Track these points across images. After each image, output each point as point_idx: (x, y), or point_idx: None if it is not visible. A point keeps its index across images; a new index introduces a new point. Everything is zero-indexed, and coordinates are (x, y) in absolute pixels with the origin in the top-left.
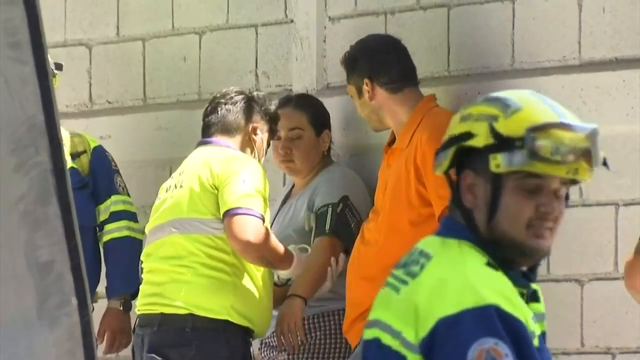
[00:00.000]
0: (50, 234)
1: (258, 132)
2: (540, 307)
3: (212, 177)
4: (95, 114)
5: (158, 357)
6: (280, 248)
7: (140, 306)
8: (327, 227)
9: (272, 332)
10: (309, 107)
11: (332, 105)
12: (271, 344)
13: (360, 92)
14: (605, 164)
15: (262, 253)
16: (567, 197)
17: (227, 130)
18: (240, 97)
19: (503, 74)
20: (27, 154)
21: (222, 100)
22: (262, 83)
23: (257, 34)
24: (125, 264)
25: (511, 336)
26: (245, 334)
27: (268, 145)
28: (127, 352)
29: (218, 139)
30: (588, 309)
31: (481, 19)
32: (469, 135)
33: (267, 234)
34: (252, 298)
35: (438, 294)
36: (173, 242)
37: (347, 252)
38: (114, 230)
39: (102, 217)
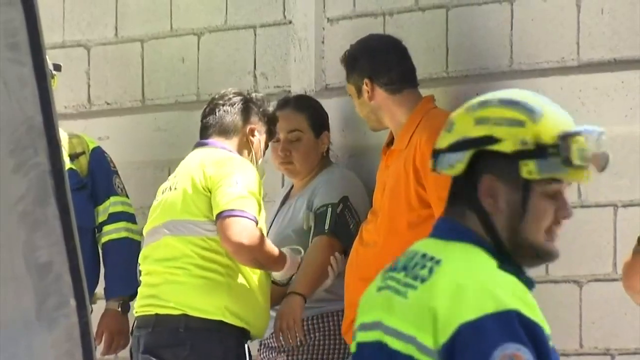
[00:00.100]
0: (48, 235)
1: (256, 133)
2: None
3: (205, 179)
4: (93, 115)
5: (152, 358)
6: (273, 250)
7: (138, 308)
8: (327, 226)
9: (271, 333)
10: (308, 109)
11: (331, 106)
12: (270, 344)
13: (359, 92)
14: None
15: (255, 255)
16: None
17: (225, 131)
18: (238, 98)
19: (501, 75)
20: (25, 155)
21: (220, 102)
22: (261, 84)
23: (255, 35)
24: (123, 266)
25: (531, 341)
26: (240, 334)
27: (266, 146)
28: (125, 353)
29: (215, 140)
30: (587, 310)
31: (479, 20)
32: (491, 139)
33: (260, 236)
34: (247, 299)
35: (457, 300)
36: (167, 243)
37: (346, 253)
38: (113, 232)
39: (101, 218)
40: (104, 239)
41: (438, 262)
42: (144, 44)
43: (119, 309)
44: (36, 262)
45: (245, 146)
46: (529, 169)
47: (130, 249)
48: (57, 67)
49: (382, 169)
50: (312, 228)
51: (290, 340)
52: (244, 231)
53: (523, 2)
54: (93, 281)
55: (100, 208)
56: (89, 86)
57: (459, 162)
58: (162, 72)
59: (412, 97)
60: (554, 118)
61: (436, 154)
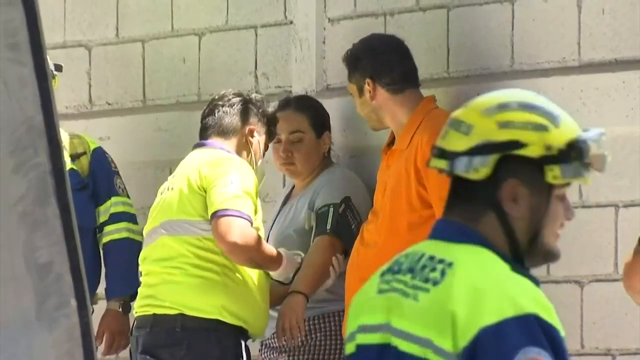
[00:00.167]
0: (49, 235)
1: (255, 134)
2: None
3: (200, 178)
4: (94, 115)
5: (150, 358)
6: (269, 249)
7: (137, 308)
8: (328, 226)
9: (273, 334)
10: (310, 110)
11: (332, 106)
12: (271, 345)
13: (361, 91)
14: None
15: (250, 255)
16: None
17: (224, 132)
18: (238, 99)
19: (502, 75)
20: (26, 155)
21: (220, 103)
22: (262, 84)
23: (256, 35)
24: (124, 266)
25: (550, 345)
26: (238, 333)
27: (266, 147)
28: (126, 353)
29: (213, 141)
30: (588, 310)
31: (480, 20)
32: (517, 144)
33: (254, 236)
34: (244, 297)
35: (476, 304)
36: (163, 244)
37: (347, 254)
38: (114, 232)
39: (102, 218)
40: (105, 239)
41: (450, 264)
42: (145, 44)
43: (120, 309)
44: (36, 262)
45: (244, 147)
46: (554, 174)
47: (131, 249)
48: (58, 68)
49: (383, 169)
50: (314, 228)
51: (293, 339)
52: (238, 231)
53: (524, 3)
54: (94, 281)
55: (102, 208)
56: (90, 86)
57: (483, 167)
58: (163, 72)
59: (414, 97)
60: (569, 122)
61: (450, 155)
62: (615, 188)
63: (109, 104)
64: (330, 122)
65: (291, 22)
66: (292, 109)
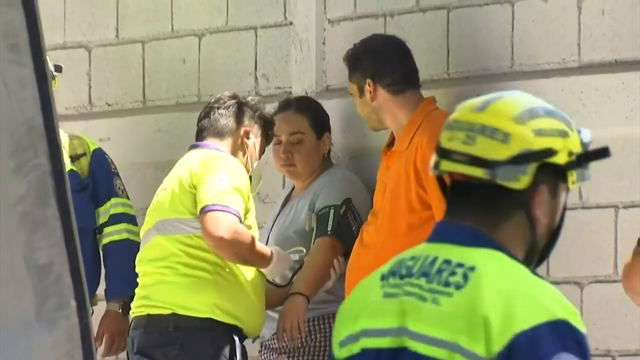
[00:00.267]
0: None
1: (251, 136)
2: None
3: (191, 176)
4: (94, 116)
5: (144, 358)
6: (258, 246)
7: (133, 309)
8: (329, 228)
9: (272, 335)
10: (310, 111)
11: (332, 107)
12: (271, 346)
13: (361, 91)
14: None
15: (237, 250)
16: None
17: (219, 133)
18: (233, 101)
19: (502, 76)
20: (26, 156)
21: (215, 105)
22: (262, 85)
23: (256, 36)
24: (124, 267)
25: (577, 350)
26: (232, 332)
27: (262, 150)
28: (125, 354)
29: (209, 142)
30: (588, 311)
31: (480, 21)
32: (551, 151)
33: (242, 231)
34: (237, 296)
35: (508, 309)
36: (156, 243)
37: (348, 255)
38: (114, 233)
39: (102, 219)
40: (105, 241)
41: (472, 268)
42: (144, 45)
43: (120, 311)
44: (36, 263)
45: (239, 148)
46: (573, 179)
47: (131, 250)
48: (58, 68)
49: (383, 170)
50: (315, 229)
51: (293, 341)
52: (225, 225)
53: (524, 3)
54: (94, 283)
55: (101, 209)
56: (89, 87)
57: (524, 175)
58: (163, 73)
59: (414, 98)
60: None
61: (489, 164)
62: (615, 189)
63: (108, 105)
64: (330, 123)
65: (291, 23)
66: (292, 110)
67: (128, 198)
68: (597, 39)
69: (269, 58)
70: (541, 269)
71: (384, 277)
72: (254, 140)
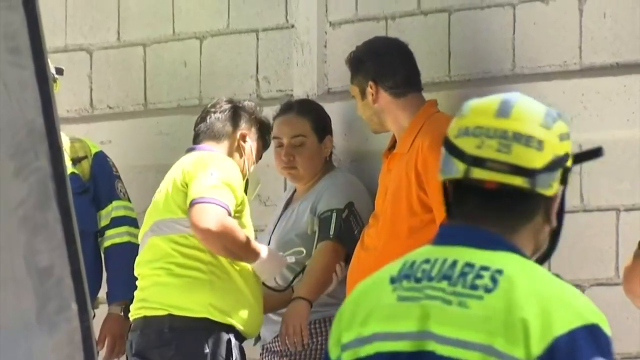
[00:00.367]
0: (50, 239)
1: (247, 139)
2: None
3: (183, 175)
4: (96, 119)
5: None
6: (246, 239)
7: (132, 312)
8: (331, 232)
9: (274, 337)
10: (312, 114)
11: (333, 110)
12: (273, 348)
13: (363, 94)
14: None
15: (224, 242)
16: None
17: (215, 137)
18: (229, 105)
19: (504, 79)
20: (26, 158)
21: (212, 110)
22: (263, 88)
23: (257, 39)
24: (125, 270)
25: (610, 356)
26: (229, 332)
27: (260, 153)
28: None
29: (205, 145)
30: None
31: (482, 24)
32: (568, 156)
33: (230, 224)
34: (233, 295)
35: (545, 312)
36: (151, 245)
37: (349, 259)
38: (115, 236)
39: (103, 222)
40: (107, 243)
41: (499, 271)
42: (146, 47)
43: (121, 314)
44: (37, 266)
45: (236, 151)
46: (568, 180)
47: (132, 253)
48: (60, 71)
49: (384, 173)
50: (317, 233)
51: (296, 345)
52: (212, 217)
53: (525, 6)
54: (95, 285)
55: (103, 212)
56: (91, 90)
57: (555, 182)
58: (164, 76)
59: (416, 101)
60: None
61: (528, 172)
62: (616, 192)
63: (110, 107)
64: (332, 125)
65: (292, 26)
66: (294, 113)
67: (129, 201)
68: (599, 41)
69: (270, 61)
70: None
71: (394, 280)
72: (251, 143)
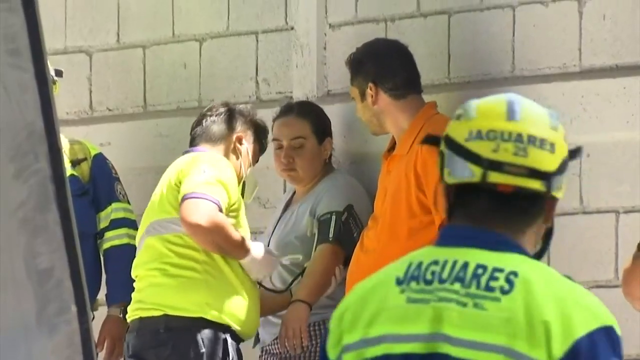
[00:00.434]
0: (49, 241)
1: (244, 141)
2: None
3: (177, 174)
4: (95, 121)
5: None
6: (235, 235)
7: (129, 313)
8: (331, 234)
9: (273, 340)
10: (311, 116)
11: (333, 112)
12: (272, 351)
13: (363, 95)
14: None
15: (213, 237)
16: None
17: (211, 139)
18: (224, 109)
19: (503, 80)
20: (26, 160)
21: (208, 113)
22: (263, 90)
23: (257, 41)
24: (125, 272)
25: (622, 357)
26: (225, 332)
27: (256, 157)
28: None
29: (201, 147)
30: None
31: (481, 26)
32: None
33: (220, 220)
34: (229, 295)
35: (565, 314)
36: (147, 246)
37: (348, 261)
38: (114, 238)
39: (103, 224)
40: (106, 245)
41: (514, 273)
42: (145, 50)
43: (121, 315)
44: (37, 268)
45: (232, 153)
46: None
47: (131, 255)
48: (59, 73)
49: (384, 175)
50: (316, 235)
51: (296, 348)
52: (202, 212)
53: (525, 8)
54: (95, 287)
55: (102, 214)
56: (90, 92)
57: (564, 184)
58: (163, 78)
59: (416, 103)
60: None
61: (545, 175)
62: (616, 194)
63: (109, 109)
64: (332, 127)
65: (292, 28)
66: (294, 114)
67: (129, 203)
68: (598, 43)
69: (270, 63)
70: None
71: (401, 282)
72: (247, 146)
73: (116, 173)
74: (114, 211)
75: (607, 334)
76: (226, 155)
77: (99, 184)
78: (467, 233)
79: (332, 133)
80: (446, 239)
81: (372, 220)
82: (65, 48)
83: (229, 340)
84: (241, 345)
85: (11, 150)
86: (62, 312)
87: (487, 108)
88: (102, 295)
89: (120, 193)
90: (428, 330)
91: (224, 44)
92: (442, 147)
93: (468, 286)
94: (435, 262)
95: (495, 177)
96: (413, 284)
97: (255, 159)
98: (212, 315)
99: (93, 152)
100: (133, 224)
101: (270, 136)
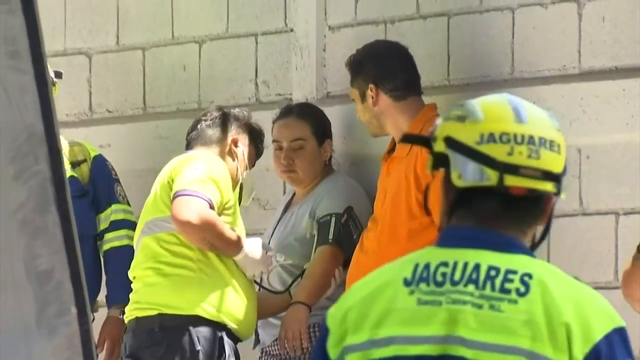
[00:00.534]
0: (49, 243)
1: (239, 144)
2: None
3: (170, 173)
4: (95, 123)
5: None
6: (227, 233)
7: (126, 314)
8: (331, 236)
9: (273, 341)
10: (311, 117)
11: (333, 114)
12: (272, 352)
13: (363, 97)
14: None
15: (204, 234)
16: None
17: (206, 142)
18: (219, 113)
19: (503, 82)
20: (26, 162)
21: (202, 118)
22: (262, 92)
23: (257, 43)
24: (125, 273)
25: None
26: (220, 329)
27: (252, 160)
28: None
29: (195, 150)
30: None
31: (481, 28)
32: None
33: (211, 217)
34: (224, 293)
35: (583, 316)
36: (143, 246)
37: (348, 263)
38: (114, 239)
39: (103, 226)
40: (106, 247)
41: (528, 275)
42: (145, 51)
43: (121, 317)
44: (36, 270)
45: (228, 155)
46: None
47: (131, 256)
48: (58, 74)
49: (383, 176)
50: (316, 237)
51: (295, 349)
52: (193, 209)
53: (524, 10)
54: (94, 289)
55: (102, 216)
56: (90, 94)
57: (566, 184)
58: (163, 79)
59: (416, 105)
60: None
61: (556, 177)
62: (616, 196)
63: (109, 111)
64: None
65: (291, 30)
66: (294, 116)
67: (129, 204)
68: (598, 45)
69: (269, 65)
70: None
71: (409, 283)
72: (243, 148)
73: (116, 174)
74: (113, 212)
75: (620, 334)
76: (222, 157)
77: (99, 185)
78: (474, 234)
79: (332, 135)
80: (451, 240)
81: (372, 222)
82: (65, 50)
83: (225, 338)
84: (241, 347)
85: (11, 152)
86: (62, 313)
87: (493, 110)
88: (102, 296)
89: (120, 194)
90: (441, 332)
91: (223, 45)
92: (441, 148)
93: (482, 288)
94: (445, 264)
95: (511, 181)
96: (423, 286)
97: (252, 163)
98: (206, 312)
99: (93, 154)
100: (133, 226)
101: (266, 140)
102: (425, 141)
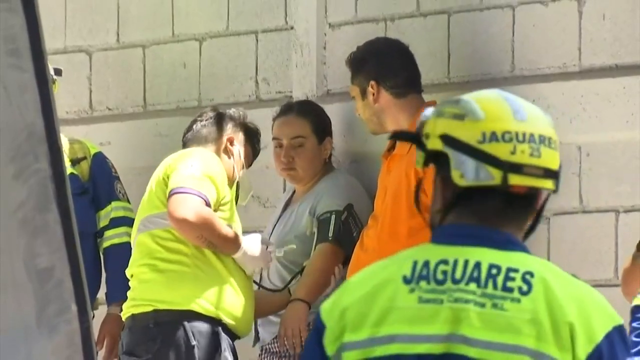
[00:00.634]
0: (49, 241)
1: (235, 143)
2: None
3: (165, 169)
4: (95, 121)
5: (130, 357)
6: (225, 230)
7: (123, 311)
8: (330, 234)
9: (273, 339)
10: (312, 115)
11: (333, 111)
12: (271, 349)
13: (364, 94)
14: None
15: (201, 232)
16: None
17: (201, 142)
18: (214, 113)
19: (503, 80)
20: (26, 161)
21: (198, 119)
22: (262, 89)
23: (257, 40)
24: (124, 270)
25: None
26: (216, 325)
27: (249, 159)
28: None
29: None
30: None
31: (481, 26)
32: None
33: (207, 214)
34: (219, 289)
35: (585, 315)
36: (139, 243)
37: (348, 261)
38: (114, 237)
39: (103, 223)
40: (106, 244)
41: (530, 273)
42: (145, 49)
43: (121, 314)
44: (37, 268)
45: (224, 153)
46: None
47: (131, 253)
48: (58, 72)
49: (384, 174)
50: (316, 234)
51: (295, 347)
52: (189, 207)
53: (525, 8)
54: (94, 286)
55: (102, 213)
56: (90, 92)
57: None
58: (163, 77)
59: (416, 102)
60: None
61: (554, 174)
62: (616, 193)
63: (109, 109)
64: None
65: (292, 28)
66: (294, 114)
67: (129, 202)
68: (598, 43)
69: (269, 62)
70: None
71: (409, 281)
72: (239, 147)
73: (116, 172)
74: (113, 210)
75: (620, 333)
76: (217, 155)
77: (99, 182)
78: (474, 232)
79: (332, 132)
80: (449, 237)
81: (372, 220)
82: (65, 48)
83: (221, 333)
84: (241, 344)
85: (11, 151)
86: (62, 312)
87: (492, 108)
88: (102, 294)
89: (120, 192)
90: (444, 331)
91: (223, 43)
92: (437, 146)
93: (484, 286)
94: (444, 262)
95: (515, 180)
96: (423, 284)
97: (248, 162)
98: (202, 308)
99: (93, 151)
100: (133, 223)
101: (266, 138)
102: (414, 138)
